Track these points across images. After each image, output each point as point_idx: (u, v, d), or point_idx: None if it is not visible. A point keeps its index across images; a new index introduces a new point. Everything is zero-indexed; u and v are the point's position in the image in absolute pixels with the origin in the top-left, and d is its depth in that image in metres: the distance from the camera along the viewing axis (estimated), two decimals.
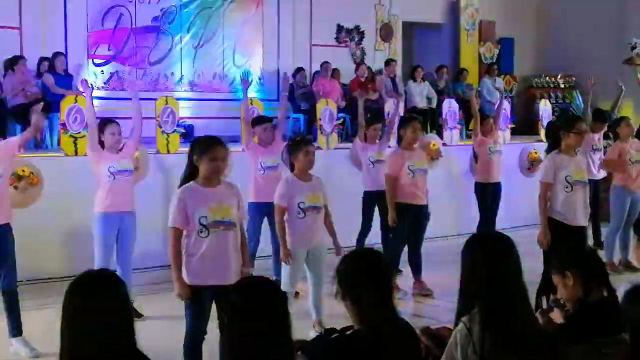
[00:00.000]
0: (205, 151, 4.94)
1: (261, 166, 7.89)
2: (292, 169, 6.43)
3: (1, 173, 6.05)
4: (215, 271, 4.94)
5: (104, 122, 6.94)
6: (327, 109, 10.88)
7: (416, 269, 8.04)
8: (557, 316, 3.96)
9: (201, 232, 4.93)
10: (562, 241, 6.11)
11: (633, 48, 14.50)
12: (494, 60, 15.89)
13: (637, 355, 2.44)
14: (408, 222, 7.85)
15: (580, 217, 6.70)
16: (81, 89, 7.36)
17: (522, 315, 3.15)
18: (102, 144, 6.87)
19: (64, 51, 11.29)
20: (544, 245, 6.45)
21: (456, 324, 3.23)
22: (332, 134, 10.89)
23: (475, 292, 3.18)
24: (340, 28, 14.46)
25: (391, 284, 3.22)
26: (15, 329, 6.12)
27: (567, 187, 6.57)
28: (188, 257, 5.01)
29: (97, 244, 6.83)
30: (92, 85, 7.20)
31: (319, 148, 10.70)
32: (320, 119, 10.81)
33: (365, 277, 3.09)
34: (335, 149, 10.80)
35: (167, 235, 8.83)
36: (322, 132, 10.75)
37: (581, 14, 15.90)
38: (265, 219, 7.81)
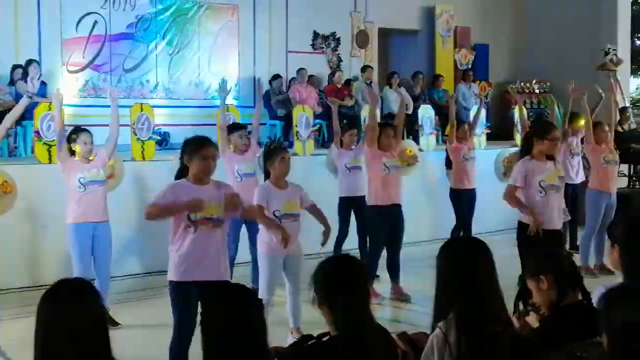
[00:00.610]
0: (196, 150, 5.02)
1: (237, 174, 7.88)
2: (267, 176, 6.42)
3: None
4: (201, 267, 4.96)
5: (76, 131, 6.90)
6: (303, 116, 10.89)
7: (394, 274, 8.06)
8: (532, 320, 3.97)
9: (189, 227, 4.95)
10: (537, 245, 6.18)
11: (606, 54, 14.64)
12: (470, 67, 15.97)
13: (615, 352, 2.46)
14: (387, 226, 7.88)
15: (555, 221, 6.77)
16: (52, 100, 7.30)
17: (498, 319, 3.15)
18: (74, 153, 6.82)
19: (37, 58, 11.19)
20: (541, 225, 6.58)
21: (432, 329, 3.23)
22: (309, 140, 10.90)
23: (451, 297, 3.19)
24: (316, 35, 14.47)
25: (367, 289, 3.22)
26: None
27: (541, 192, 6.65)
28: (176, 252, 5.03)
29: (73, 255, 6.80)
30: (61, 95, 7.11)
31: (295, 154, 10.73)
32: (296, 125, 10.80)
33: (342, 283, 3.08)
34: (312, 155, 10.80)
35: (143, 243, 8.88)
36: (298, 139, 10.76)
37: (555, 20, 16.04)
38: (244, 227, 7.80)
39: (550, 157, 6.83)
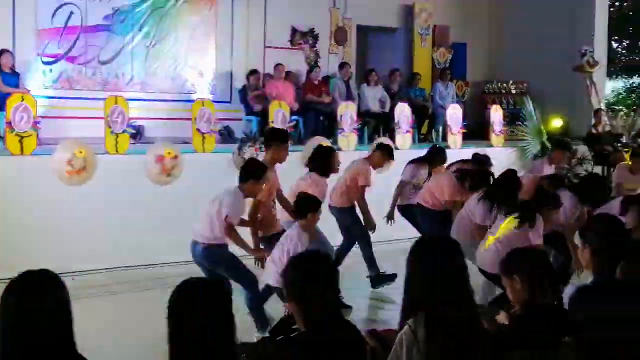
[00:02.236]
0: None
1: None
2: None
3: None
4: None
5: None
6: (279, 111, 10.86)
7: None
8: (502, 318, 3.98)
9: None
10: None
11: (583, 55, 14.74)
12: (447, 66, 16.00)
13: (584, 356, 2.46)
14: None
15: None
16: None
17: (467, 318, 3.14)
18: None
19: (11, 48, 11.05)
20: None
21: (402, 326, 3.21)
22: None
23: (421, 295, 3.18)
24: (294, 30, 14.41)
25: (337, 285, 3.20)
26: None
27: None
28: None
29: None
30: None
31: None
32: (272, 121, 10.76)
33: (311, 279, 3.06)
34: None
35: (115, 237, 8.81)
36: None
37: (533, 21, 16.11)
38: None
39: None
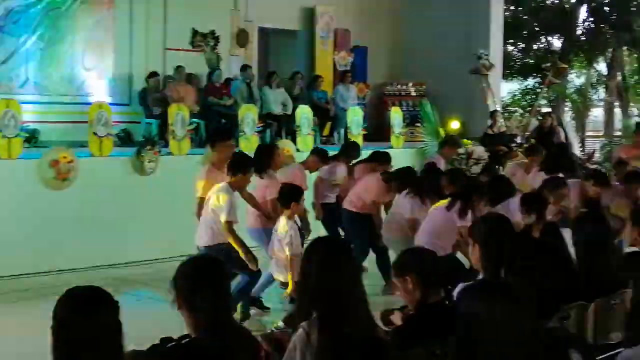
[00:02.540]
0: None
1: None
2: None
3: None
4: None
5: None
6: (179, 114, 10.74)
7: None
8: (396, 318, 4.03)
9: None
10: None
11: (479, 58, 15.12)
12: (348, 68, 16.13)
13: (463, 347, 2.50)
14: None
15: None
16: None
17: (359, 319, 3.17)
18: None
19: None
20: None
21: (295, 329, 3.22)
22: (185, 139, 10.74)
23: (314, 298, 3.19)
24: (195, 32, 14.26)
25: (228, 290, 3.18)
26: None
27: None
28: None
29: None
30: None
31: (170, 154, 10.57)
32: (172, 124, 10.63)
33: (202, 283, 3.03)
34: (187, 154, 10.66)
35: (15, 243, 8.56)
36: (174, 138, 10.58)
37: (431, 25, 16.41)
38: None
39: None
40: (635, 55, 23.76)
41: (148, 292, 8.15)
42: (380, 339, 3.21)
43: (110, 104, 11.05)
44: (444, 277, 3.84)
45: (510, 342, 2.39)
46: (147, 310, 6.82)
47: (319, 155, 8.76)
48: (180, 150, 10.63)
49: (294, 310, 3.22)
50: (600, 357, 3.50)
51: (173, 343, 3.12)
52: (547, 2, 23.41)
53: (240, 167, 6.76)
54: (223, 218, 6.42)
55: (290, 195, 6.63)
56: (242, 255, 6.43)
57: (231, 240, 6.46)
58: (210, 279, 3.06)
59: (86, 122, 10.02)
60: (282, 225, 6.57)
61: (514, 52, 24.38)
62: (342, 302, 3.15)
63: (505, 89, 25.07)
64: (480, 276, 3.78)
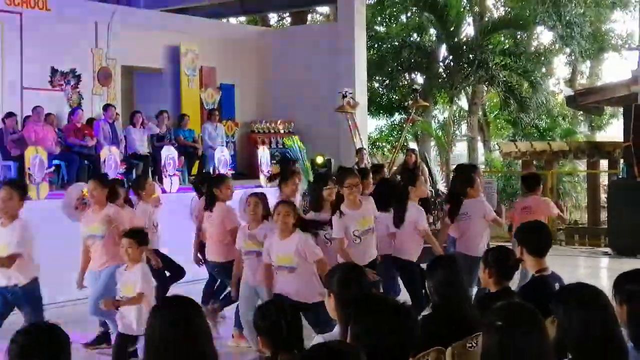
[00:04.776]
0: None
1: None
2: None
3: None
4: None
5: None
6: (36, 157, 10.30)
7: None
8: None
9: None
10: None
11: (344, 96, 15.34)
12: (216, 106, 16.05)
13: None
14: None
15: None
16: None
17: None
18: None
19: None
20: None
21: None
22: (43, 183, 10.32)
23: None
24: (54, 71, 13.82)
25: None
26: None
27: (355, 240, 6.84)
28: None
29: None
30: None
31: (28, 199, 10.07)
32: (29, 168, 10.19)
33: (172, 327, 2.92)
34: (47, 198, 10.22)
35: None
36: (31, 182, 10.13)
37: (298, 63, 16.62)
38: None
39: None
40: (493, 92, 24.81)
41: None
42: None
43: None
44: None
45: None
46: None
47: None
48: (39, 195, 10.18)
49: None
50: None
51: None
52: (409, 40, 24.10)
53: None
54: None
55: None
56: None
57: None
58: (182, 322, 2.97)
59: None
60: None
61: (379, 89, 24.92)
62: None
63: (373, 125, 25.61)
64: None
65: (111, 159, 11.21)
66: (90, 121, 13.24)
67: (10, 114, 12.37)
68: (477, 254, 6.99)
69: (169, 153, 12.02)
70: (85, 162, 12.38)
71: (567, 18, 22.62)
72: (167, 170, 11.77)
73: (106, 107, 13.33)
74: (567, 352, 3.19)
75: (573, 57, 25.56)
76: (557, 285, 4.62)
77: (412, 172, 10.93)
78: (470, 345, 3.93)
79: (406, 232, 7.49)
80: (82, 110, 13.22)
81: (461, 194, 7.93)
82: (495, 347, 2.86)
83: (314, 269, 6.03)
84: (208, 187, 8.13)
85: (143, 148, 13.09)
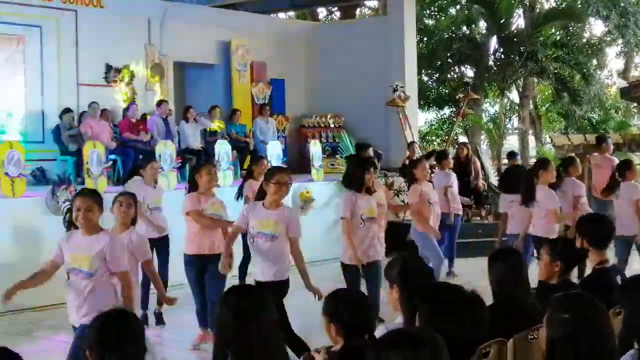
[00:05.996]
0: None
1: None
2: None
3: None
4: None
5: None
6: (94, 152, 10.50)
7: None
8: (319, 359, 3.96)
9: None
10: None
11: (395, 90, 15.32)
12: (266, 101, 16.14)
13: None
14: None
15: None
16: None
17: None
18: None
19: None
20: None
21: None
22: (101, 177, 10.51)
23: (227, 345, 3.16)
24: (109, 67, 14.04)
25: (143, 344, 3.08)
26: None
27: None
28: None
29: None
30: None
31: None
32: (87, 162, 10.40)
33: (112, 340, 2.94)
34: (105, 192, 10.39)
35: None
36: (89, 176, 10.34)
37: (347, 57, 16.62)
38: None
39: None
40: (544, 84, 24.52)
41: (65, 337, 7.86)
42: None
43: (24, 141, 10.75)
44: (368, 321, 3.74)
45: None
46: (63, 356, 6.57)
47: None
48: (97, 189, 10.35)
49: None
50: None
51: None
52: (459, 33, 23.96)
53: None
54: None
55: None
56: None
57: None
58: (122, 335, 2.97)
59: None
60: None
61: (429, 83, 24.82)
62: (253, 351, 3.12)
63: (423, 119, 25.51)
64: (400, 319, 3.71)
65: (166, 154, 11.36)
66: (144, 117, 13.45)
67: (67, 110, 12.65)
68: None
69: (222, 147, 12.13)
70: (140, 156, 12.57)
71: (622, 6, 22.23)
72: (221, 165, 11.88)
73: (159, 103, 13.53)
74: (634, 342, 3.17)
75: (628, 48, 25.14)
76: (618, 278, 4.59)
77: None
78: (532, 337, 3.92)
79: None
80: (137, 105, 13.44)
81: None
82: (562, 340, 2.85)
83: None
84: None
85: (196, 143, 13.25)
